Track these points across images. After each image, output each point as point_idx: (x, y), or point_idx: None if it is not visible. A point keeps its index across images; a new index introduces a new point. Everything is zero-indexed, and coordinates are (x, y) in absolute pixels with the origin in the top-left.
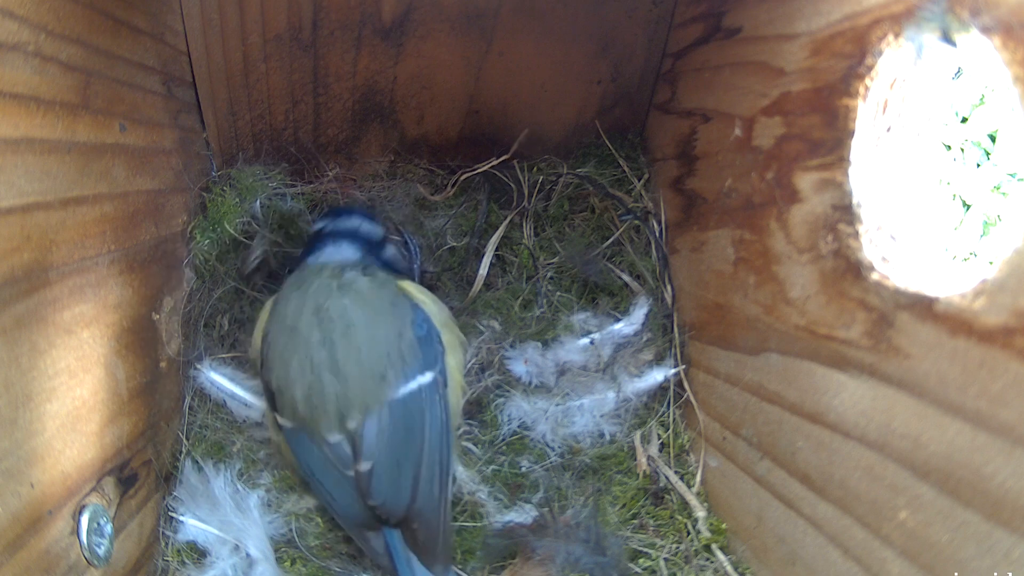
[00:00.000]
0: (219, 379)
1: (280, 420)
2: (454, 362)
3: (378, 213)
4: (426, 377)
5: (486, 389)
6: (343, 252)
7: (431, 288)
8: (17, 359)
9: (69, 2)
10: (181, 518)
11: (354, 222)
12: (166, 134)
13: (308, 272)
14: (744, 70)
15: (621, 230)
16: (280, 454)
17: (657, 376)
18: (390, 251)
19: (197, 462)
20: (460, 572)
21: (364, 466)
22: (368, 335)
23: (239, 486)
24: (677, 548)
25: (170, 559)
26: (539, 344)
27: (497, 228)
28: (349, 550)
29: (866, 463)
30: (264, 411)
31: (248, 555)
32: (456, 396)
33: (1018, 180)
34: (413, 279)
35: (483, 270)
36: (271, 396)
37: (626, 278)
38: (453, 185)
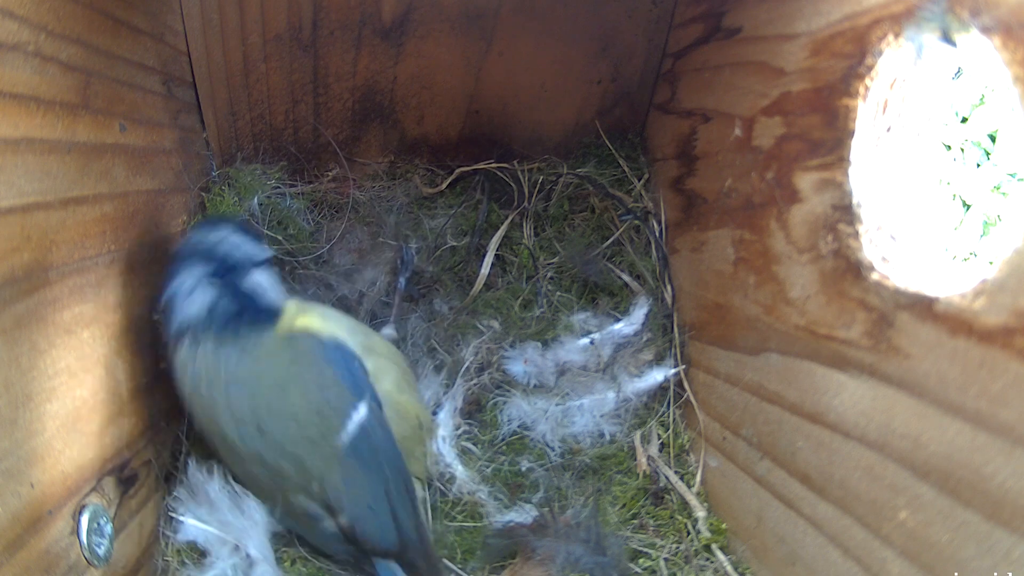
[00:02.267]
0: None
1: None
2: (389, 385)
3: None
4: (360, 412)
5: (486, 389)
6: (192, 306)
7: (427, 289)
8: (17, 359)
9: (69, 2)
10: (181, 518)
11: (201, 266)
12: (166, 134)
13: (186, 356)
14: (744, 70)
15: (621, 230)
16: None
17: (657, 376)
18: (255, 278)
19: (197, 462)
20: (460, 572)
21: (344, 520)
22: (289, 401)
23: (239, 486)
24: (677, 548)
25: (170, 559)
26: (539, 344)
27: (497, 228)
28: None
29: (866, 463)
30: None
31: (248, 555)
32: (410, 419)
33: (1018, 180)
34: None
35: (485, 269)
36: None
37: (626, 278)
38: (450, 182)
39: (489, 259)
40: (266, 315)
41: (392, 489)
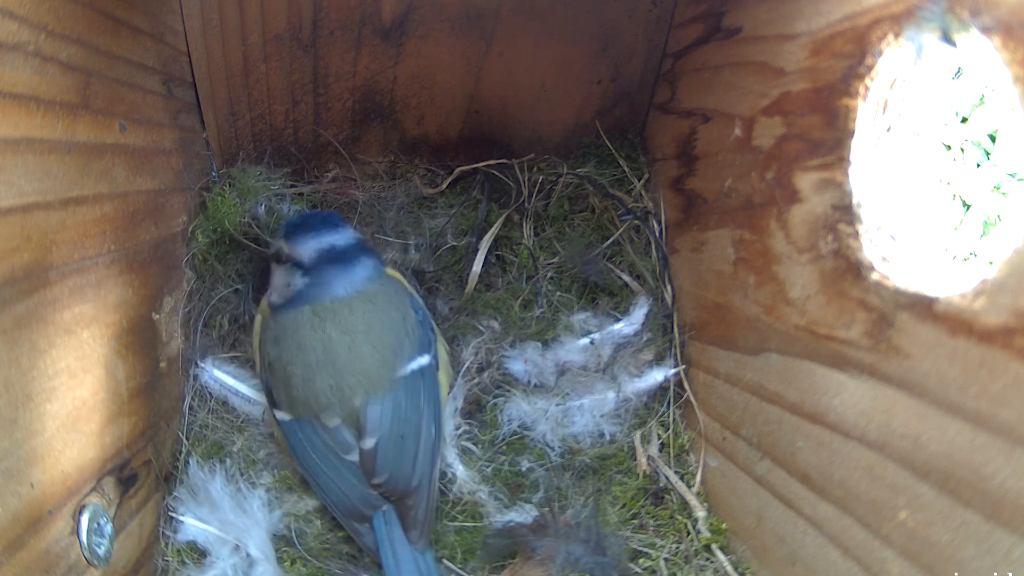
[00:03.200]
0: (222, 376)
1: (278, 414)
2: (443, 350)
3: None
4: (424, 359)
5: (486, 389)
6: (356, 274)
7: (429, 289)
8: (17, 359)
9: (69, 2)
10: (181, 518)
11: (343, 235)
12: (166, 134)
13: (318, 310)
14: (744, 70)
15: (621, 230)
16: (280, 450)
17: (657, 376)
18: (363, 264)
19: (197, 462)
20: (460, 572)
21: (369, 443)
22: (380, 323)
23: (240, 485)
24: (677, 548)
25: (170, 559)
26: (539, 344)
27: (497, 228)
28: (350, 550)
29: (866, 463)
30: (264, 408)
31: (248, 555)
32: (445, 382)
33: (1018, 180)
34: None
35: (476, 267)
36: (269, 392)
37: (626, 278)
38: (450, 182)
39: (481, 257)
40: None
41: (423, 432)
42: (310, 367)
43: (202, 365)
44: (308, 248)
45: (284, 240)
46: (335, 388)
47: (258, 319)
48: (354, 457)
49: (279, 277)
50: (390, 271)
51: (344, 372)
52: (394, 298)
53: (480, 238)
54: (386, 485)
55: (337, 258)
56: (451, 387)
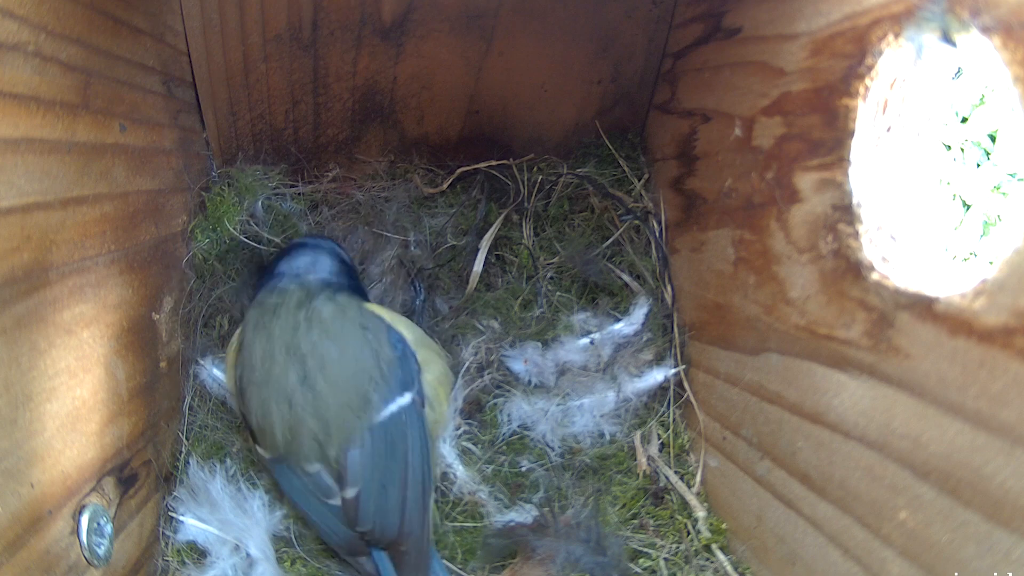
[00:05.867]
0: (222, 376)
1: (260, 451)
2: (431, 377)
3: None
4: (405, 398)
5: (485, 389)
6: (319, 266)
7: (429, 287)
8: (17, 359)
9: (69, 2)
10: (181, 518)
11: (329, 243)
12: (166, 134)
13: (274, 298)
14: (744, 70)
15: (621, 230)
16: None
17: (657, 376)
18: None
19: (197, 462)
20: (460, 572)
21: (350, 492)
22: (347, 361)
23: (240, 485)
24: (677, 548)
25: (170, 559)
26: (539, 344)
27: (496, 228)
28: None
29: (866, 463)
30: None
31: (248, 555)
32: (439, 411)
33: (1018, 180)
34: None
35: (478, 267)
36: (250, 429)
37: (626, 278)
38: (450, 182)
39: (482, 256)
40: (363, 294)
41: (409, 479)
42: (266, 395)
43: (202, 363)
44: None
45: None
46: (310, 434)
47: (233, 339)
48: (337, 502)
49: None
50: (371, 306)
51: (305, 412)
52: (361, 332)
53: (480, 238)
54: (372, 535)
55: (304, 269)
56: (452, 388)
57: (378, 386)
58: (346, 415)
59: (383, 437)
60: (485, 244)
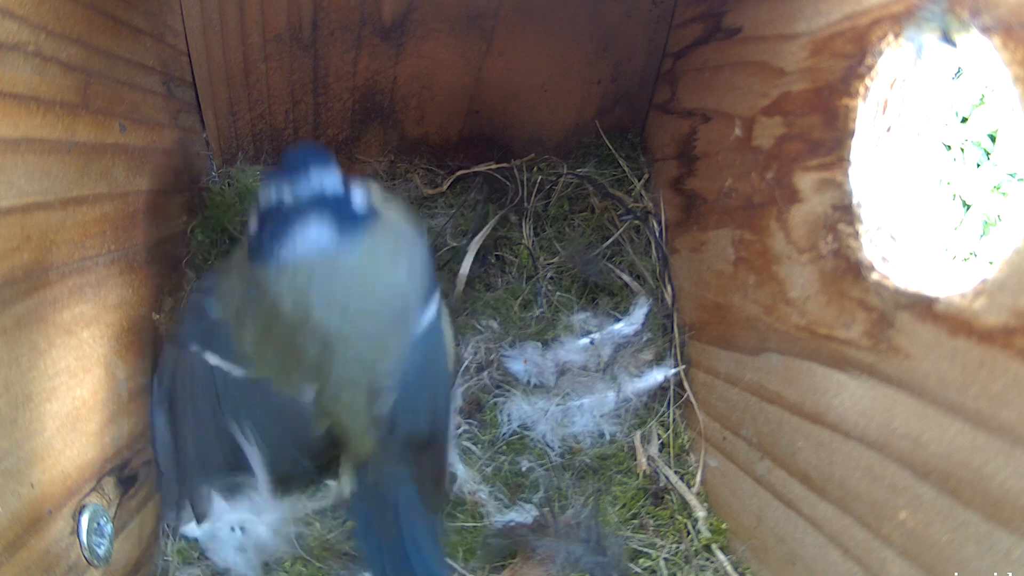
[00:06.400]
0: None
1: (230, 367)
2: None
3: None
4: (432, 309)
5: (485, 389)
6: (313, 239)
7: None
8: (17, 359)
9: (69, 2)
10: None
11: (316, 182)
12: (166, 134)
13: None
14: (744, 70)
15: (621, 230)
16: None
17: (657, 376)
18: (357, 198)
19: None
20: (461, 572)
21: (389, 400)
22: (384, 285)
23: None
24: (677, 548)
25: (170, 559)
26: (539, 344)
27: (497, 228)
28: (350, 550)
29: (866, 463)
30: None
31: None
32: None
33: (1018, 180)
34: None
35: (464, 269)
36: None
37: (626, 278)
38: (450, 183)
39: (469, 259)
40: (373, 213)
41: (440, 389)
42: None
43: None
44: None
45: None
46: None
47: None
48: (307, 432)
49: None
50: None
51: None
52: (400, 234)
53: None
54: (409, 438)
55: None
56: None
57: (414, 298)
58: (388, 328)
59: (420, 347)
60: (472, 248)
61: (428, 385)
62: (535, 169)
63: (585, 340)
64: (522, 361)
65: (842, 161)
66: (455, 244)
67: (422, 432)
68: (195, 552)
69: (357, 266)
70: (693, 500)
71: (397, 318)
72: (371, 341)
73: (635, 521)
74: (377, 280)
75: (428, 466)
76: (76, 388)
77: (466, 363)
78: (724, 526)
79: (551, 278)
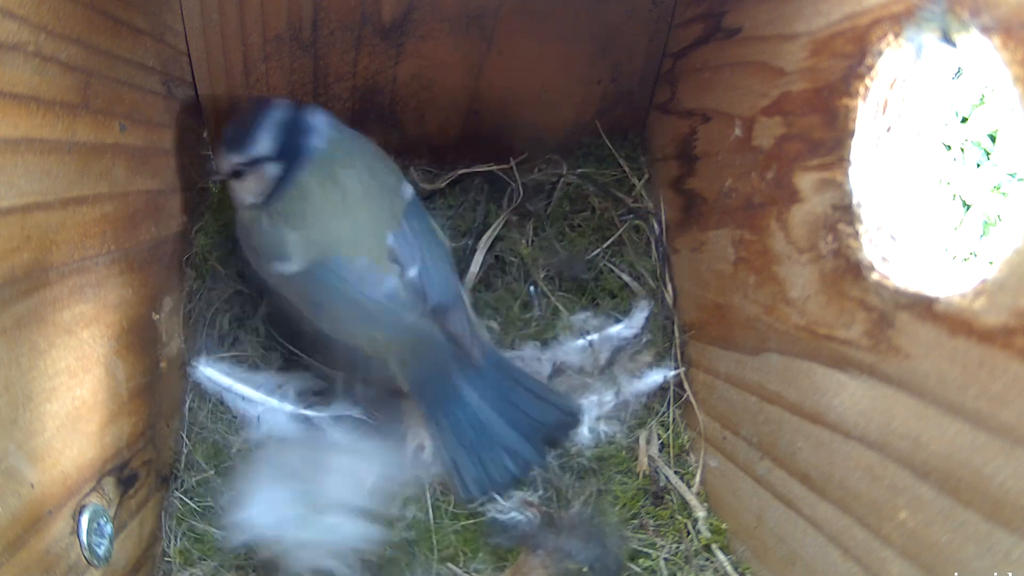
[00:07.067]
0: (215, 374)
1: (281, 269)
2: None
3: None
4: (408, 185)
5: None
6: (322, 129)
7: None
8: (17, 359)
9: (69, 2)
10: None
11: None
12: (166, 134)
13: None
14: (744, 70)
15: (621, 230)
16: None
17: (657, 376)
18: (316, 119)
19: None
20: (461, 572)
21: (412, 272)
22: (379, 170)
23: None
24: (677, 548)
25: (171, 559)
26: (538, 344)
27: (496, 228)
28: None
29: (866, 463)
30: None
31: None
32: None
33: (1018, 180)
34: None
35: (474, 268)
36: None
37: (626, 278)
38: (449, 183)
39: (478, 258)
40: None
41: (447, 260)
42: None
43: (195, 364)
44: (263, 141)
45: (232, 153)
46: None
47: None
48: (380, 291)
49: (249, 185)
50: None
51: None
52: (362, 139)
53: (478, 239)
54: (438, 304)
55: (295, 127)
56: None
57: (397, 175)
58: (385, 203)
59: (414, 217)
60: (482, 247)
61: (438, 257)
62: (535, 169)
63: (583, 341)
64: (520, 361)
65: (842, 161)
66: (455, 244)
67: (449, 294)
68: (196, 552)
69: (349, 149)
70: (693, 500)
71: (388, 181)
72: (378, 195)
73: (635, 521)
74: (366, 152)
75: (463, 320)
76: (76, 388)
77: None
78: (724, 526)
79: (551, 279)
